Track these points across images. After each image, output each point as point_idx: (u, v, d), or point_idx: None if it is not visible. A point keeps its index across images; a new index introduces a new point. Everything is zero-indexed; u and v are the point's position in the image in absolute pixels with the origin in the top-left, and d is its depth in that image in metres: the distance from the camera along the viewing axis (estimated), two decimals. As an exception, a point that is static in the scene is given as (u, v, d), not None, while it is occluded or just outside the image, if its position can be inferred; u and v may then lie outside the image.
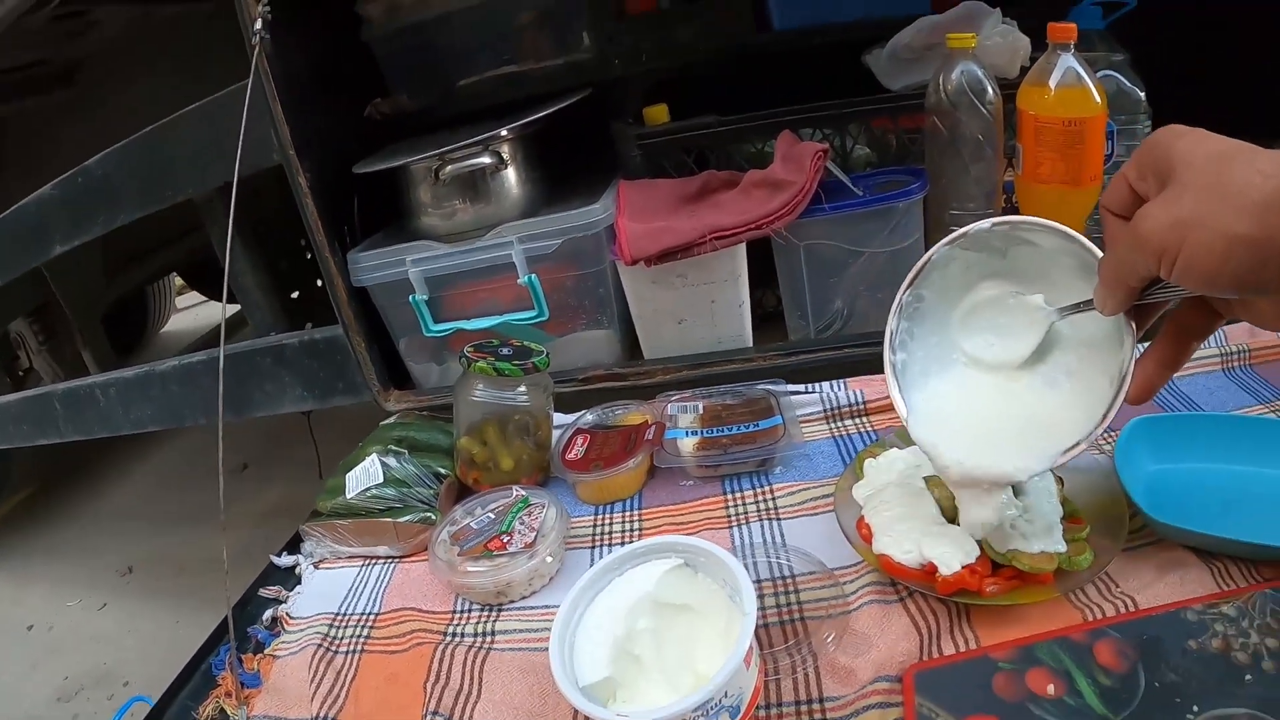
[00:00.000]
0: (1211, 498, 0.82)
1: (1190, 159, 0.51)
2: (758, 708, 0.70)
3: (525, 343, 1.13)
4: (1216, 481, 0.84)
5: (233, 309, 1.82)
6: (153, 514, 2.82)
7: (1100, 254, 0.62)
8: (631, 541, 0.96)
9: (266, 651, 0.94)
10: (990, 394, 0.74)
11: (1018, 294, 0.72)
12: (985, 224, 0.70)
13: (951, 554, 0.74)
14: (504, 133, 1.25)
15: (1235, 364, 1.05)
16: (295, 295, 1.61)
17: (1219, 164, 0.50)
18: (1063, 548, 0.73)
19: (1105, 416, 0.66)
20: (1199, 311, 0.61)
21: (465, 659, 0.83)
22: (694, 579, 0.75)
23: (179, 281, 4.09)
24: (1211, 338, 0.94)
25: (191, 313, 4.35)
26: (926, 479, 0.85)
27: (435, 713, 0.78)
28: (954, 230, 0.73)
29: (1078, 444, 0.67)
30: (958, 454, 0.73)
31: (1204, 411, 0.98)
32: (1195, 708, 0.59)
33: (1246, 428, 0.87)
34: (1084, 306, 0.65)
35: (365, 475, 1.09)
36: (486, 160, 1.24)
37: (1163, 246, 0.52)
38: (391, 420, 1.29)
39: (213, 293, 3.26)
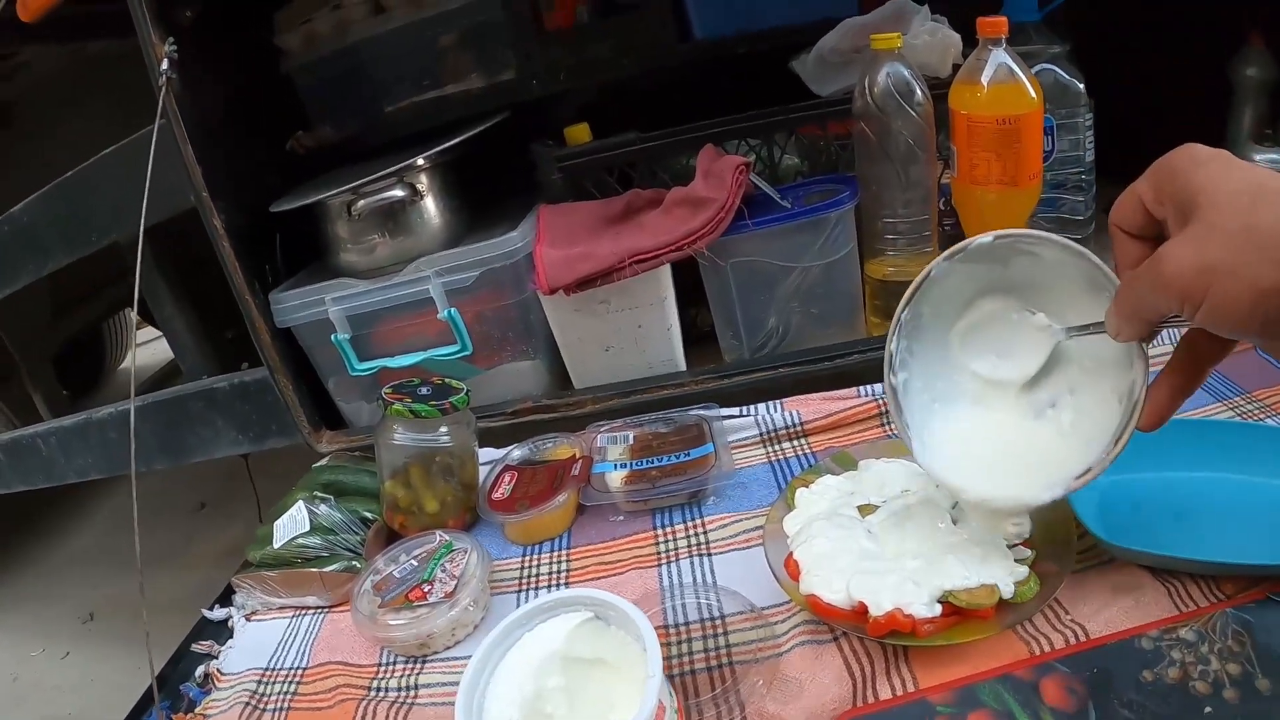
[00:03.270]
0: (1166, 509, 0.79)
1: (1215, 195, 0.49)
2: (678, 766, 0.67)
3: (446, 380, 1.11)
4: (1175, 491, 0.80)
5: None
6: (111, 557, 2.77)
7: (1108, 271, 0.61)
8: (560, 583, 0.94)
9: (197, 710, 0.92)
10: (999, 417, 0.73)
11: (1021, 309, 0.70)
12: (987, 237, 0.68)
13: (882, 592, 0.71)
14: (419, 162, 1.21)
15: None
16: (230, 336, 1.58)
17: (1248, 205, 0.48)
18: (1006, 579, 0.70)
19: (1119, 441, 0.64)
20: (1215, 338, 0.58)
21: (388, 716, 0.81)
22: (606, 631, 0.72)
23: (136, 317, 4.03)
24: (1165, 334, 0.94)
25: (150, 347, 4.29)
26: (860, 507, 0.82)
27: (357, 776, 0.75)
28: (935, 257, 0.71)
29: (1090, 469, 0.65)
30: (966, 480, 0.72)
31: None
32: None
33: (1206, 432, 0.84)
34: (1094, 329, 0.63)
35: (292, 523, 1.06)
36: (399, 193, 1.20)
37: (1187, 292, 0.50)
38: (323, 463, 1.26)
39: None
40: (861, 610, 0.71)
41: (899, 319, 0.73)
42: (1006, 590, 0.69)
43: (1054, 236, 0.65)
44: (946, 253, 0.70)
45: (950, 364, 0.75)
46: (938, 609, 0.69)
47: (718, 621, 0.82)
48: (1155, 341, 0.61)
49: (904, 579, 0.71)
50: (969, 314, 0.73)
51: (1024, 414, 0.72)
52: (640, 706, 0.62)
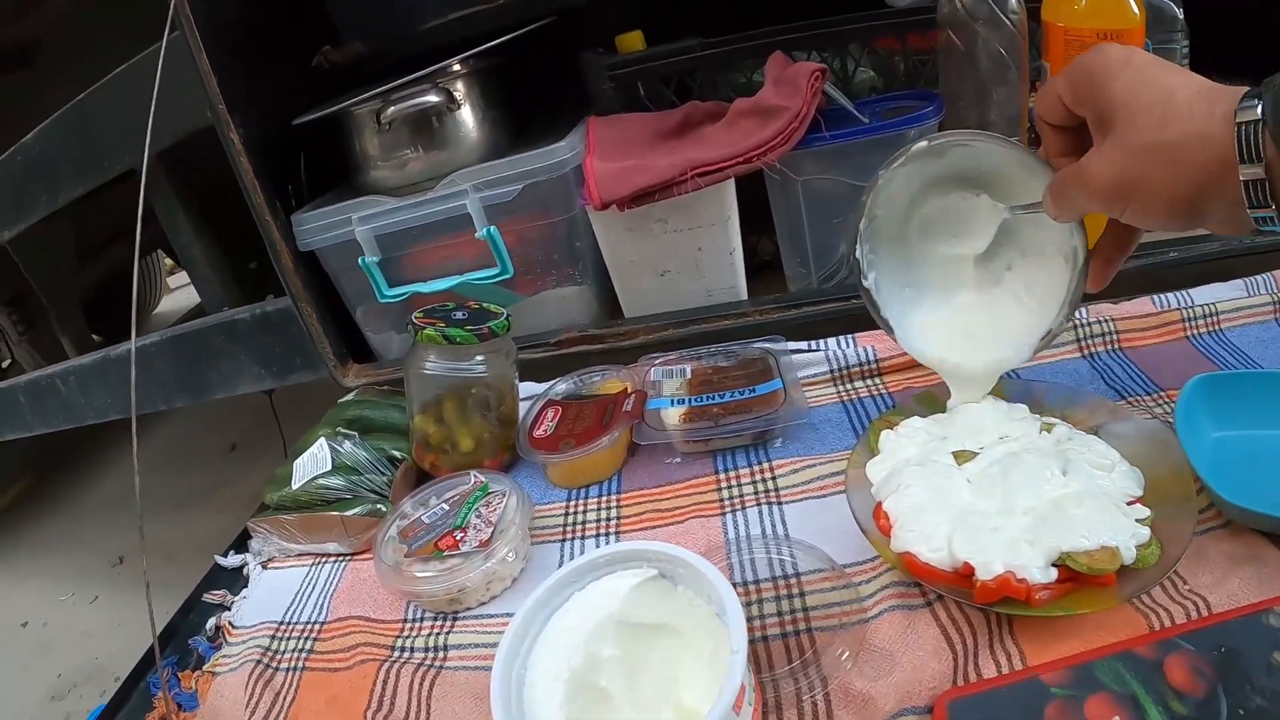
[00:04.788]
0: None
1: (1131, 110, 0.55)
2: (754, 753, 0.58)
3: (484, 304, 1.03)
4: None
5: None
6: (142, 500, 2.75)
7: (1036, 156, 0.68)
8: (609, 532, 0.87)
9: (206, 667, 0.87)
10: (964, 297, 0.81)
11: (966, 193, 0.76)
12: (921, 144, 0.74)
13: (992, 552, 0.62)
14: (455, 66, 1.12)
15: (1289, 311, 0.96)
16: (254, 266, 1.52)
17: (1159, 119, 0.54)
18: (1128, 540, 0.61)
19: (1070, 302, 0.73)
20: None
21: (412, 682, 0.74)
22: (672, 593, 0.63)
23: (169, 262, 4.03)
24: (1262, 283, 1.00)
25: (186, 291, 4.32)
26: (955, 453, 0.74)
27: (375, 747, 0.68)
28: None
29: (1050, 330, 0.75)
30: (945, 353, 0.81)
31: (1260, 368, 0.88)
32: None
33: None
34: (1034, 207, 0.68)
35: (313, 462, 0.99)
36: (434, 99, 1.11)
37: (1111, 201, 0.58)
38: (349, 398, 1.19)
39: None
40: (966, 572, 0.63)
41: (859, 229, 0.79)
42: (1129, 554, 0.61)
43: (981, 133, 0.72)
44: (886, 162, 0.76)
45: (912, 255, 0.81)
46: (1053, 573, 0.61)
47: (792, 580, 0.73)
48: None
49: (1016, 537, 0.63)
50: (920, 209, 0.79)
51: (984, 285, 0.80)
52: (721, 689, 0.52)
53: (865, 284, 0.81)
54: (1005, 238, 0.77)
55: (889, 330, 0.82)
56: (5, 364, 2.82)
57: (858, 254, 0.80)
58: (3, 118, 1.91)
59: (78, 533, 2.75)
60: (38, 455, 3.05)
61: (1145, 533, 0.62)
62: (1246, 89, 0.51)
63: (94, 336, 2.65)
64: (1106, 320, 0.97)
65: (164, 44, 1.09)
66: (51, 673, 2.15)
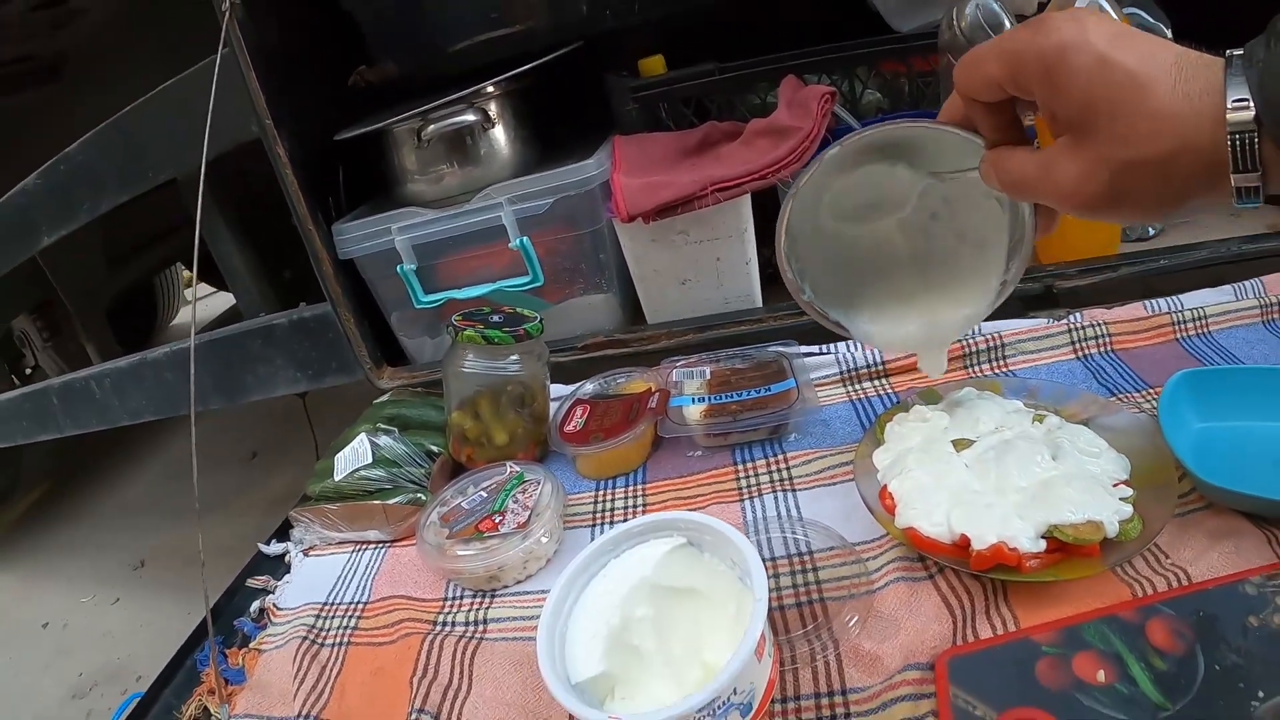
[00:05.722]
0: (1262, 457, 0.75)
1: (1110, 119, 0.50)
2: (773, 702, 0.64)
3: (518, 309, 1.08)
4: (1266, 440, 0.77)
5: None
6: (162, 506, 2.82)
7: (956, 131, 0.63)
8: (634, 518, 0.90)
9: (252, 645, 0.91)
10: (903, 268, 0.78)
11: (877, 167, 0.71)
12: (833, 149, 0.69)
13: (986, 525, 0.67)
14: (489, 88, 1.18)
15: (1276, 315, 0.99)
16: (288, 274, 1.57)
17: (1146, 133, 0.49)
18: (1112, 516, 0.66)
19: (1014, 248, 0.70)
20: None
21: (455, 650, 0.78)
22: (699, 559, 0.69)
23: (188, 273, 4.07)
24: (1250, 288, 1.02)
25: (203, 304, 4.34)
26: (954, 442, 0.79)
27: (422, 710, 0.73)
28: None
29: (1003, 281, 0.73)
30: (910, 327, 0.79)
31: (1246, 365, 0.91)
32: (1261, 693, 0.53)
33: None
34: (962, 173, 0.66)
35: (354, 456, 1.04)
36: (471, 118, 1.18)
37: (1088, 211, 0.54)
38: (384, 398, 1.24)
39: (219, 282, 3.27)
40: (963, 544, 0.68)
41: (780, 251, 0.75)
42: (1111, 527, 0.66)
43: (890, 125, 0.67)
44: (789, 194, 0.72)
45: (836, 243, 0.77)
46: (1042, 544, 0.66)
47: (806, 557, 0.78)
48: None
49: (1007, 512, 0.68)
50: (826, 194, 0.74)
51: (914, 242, 0.76)
52: (745, 634, 0.58)
53: (803, 298, 0.79)
54: (924, 197, 0.73)
55: (844, 333, 0.81)
56: (29, 370, 2.84)
57: (788, 274, 0.77)
58: (33, 128, 1.97)
59: (98, 537, 2.77)
60: (59, 460, 3.07)
61: (1128, 509, 0.67)
62: (1223, 64, 0.48)
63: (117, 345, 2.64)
64: (1100, 324, 1.00)
65: (217, 61, 1.13)
66: (72, 672, 2.17)
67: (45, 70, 2.06)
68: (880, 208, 0.74)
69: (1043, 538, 0.66)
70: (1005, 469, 0.73)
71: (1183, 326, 1.00)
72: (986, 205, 0.70)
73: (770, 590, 0.73)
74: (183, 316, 4.09)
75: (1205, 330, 0.99)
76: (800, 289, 0.78)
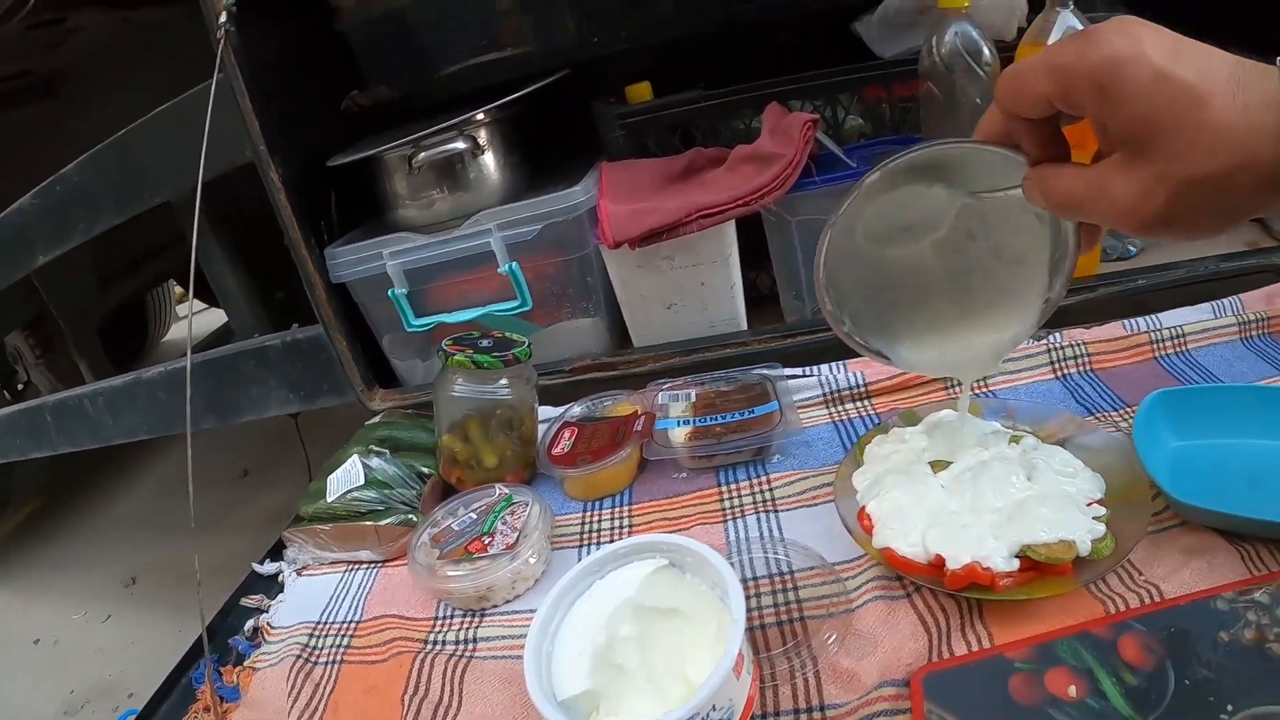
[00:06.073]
0: (1238, 475, 0.77)
1: (1169, 136, 0.47)
2: (752, 718, 0.65)
3: (507, 334, 1.09)
4: (1242, 457, 0.78)
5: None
6: (154, 523, 2.82)
7: (997, 150, 0.60)
8: (621, 539, 0.92)
9: (246, 663, 0.92)
10: (940, 289, 0.73)
11: (915, 188, 0.67)
12: (873, 175, 0.66)
13: (961, 545, 0.69)
14: (479, 116, 1.20)
15: (1254, 333, 1.00)
16: (280, 296, 1.58)
17: (1207, 147, 0.46)
18: (1084, 535, 0.68)
19: (1057, 264, 0.67)
20: None
21: (445, 669, 0.80)
22: (681, 580, 0.71)
23: (179, 290, 4.07)
24: (1228, 306, 1.02)
25: (195, 319, 4.32)
26: (932, 463, 0.80)
27: (413, 728, 0.74)
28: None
29: (1047, 299, 0.69)
30: (951, 349, 0.76)
31: (1224, 383, 0.93)
32: (1230, 707, 0.54)
33: (1273, 400, 0.82)
34: (1003, 191, 0.62)
35: (346, 477, 1.05)
36: (461, 145, 1.20)
37: (1144, 231, 0.51)
38: (376, 420, 1.26)
39: (209, 299, 3.27)
40: (938, 563, 0.69)
41: (819, 283, 0.73)
42: (1084, 546, 0.67)
43: (926, 148, 0.64)
44: (828, 224, 0.69)
45: (871, 268, 0.73)
46: (1015, 563, 0.68)
47: (787, 576, 0.80)
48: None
49: (982, 532, 0.70)
50: (863, 216, 0.70)
51: (949, 262, 0.71)
52: (724, 653, 0.60)
53: (844, 329, 0.75)
54: (961, 211, 0.69)
55: (884, 361, 0.77)
56: (21, 386, 2.83)
57: (827, 305, 0.74)
58: (29, 144, 1.99)
59: (90, 553, 2.76)
60: (49, 476, 3.05)
61: (1101, 528, 0.68)
62: (1277, 74, 0.46)
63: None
64: (1079, 344, 1.02)
65: (213, 86, 1.15)
66: (64, 689, 2.17)
67: (42, 87, 2.07)
68: (916, 230, 0.70)
69: (1016, 557, 0.68)
70: (981, 490, 0.74)
71: (1161, 345, 1.01)
72: (1025, 223, 0.67)
73: (752, 609, 0.76)
74: (175, 333, 4.09)
75: (1184, 349, 1.00)
76: (840, 320, 0.75)
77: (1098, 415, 0.92)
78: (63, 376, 2.68)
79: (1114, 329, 1.04)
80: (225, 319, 1.26)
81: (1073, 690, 0.58)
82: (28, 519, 3.06)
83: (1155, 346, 1.01)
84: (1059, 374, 1.02)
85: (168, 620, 2.25)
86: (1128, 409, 0.91)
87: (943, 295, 0.74)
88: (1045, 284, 0.69)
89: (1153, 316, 1.03)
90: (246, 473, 2.92)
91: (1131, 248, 1.21)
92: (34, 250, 1.61)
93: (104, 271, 2.63)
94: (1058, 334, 1.05)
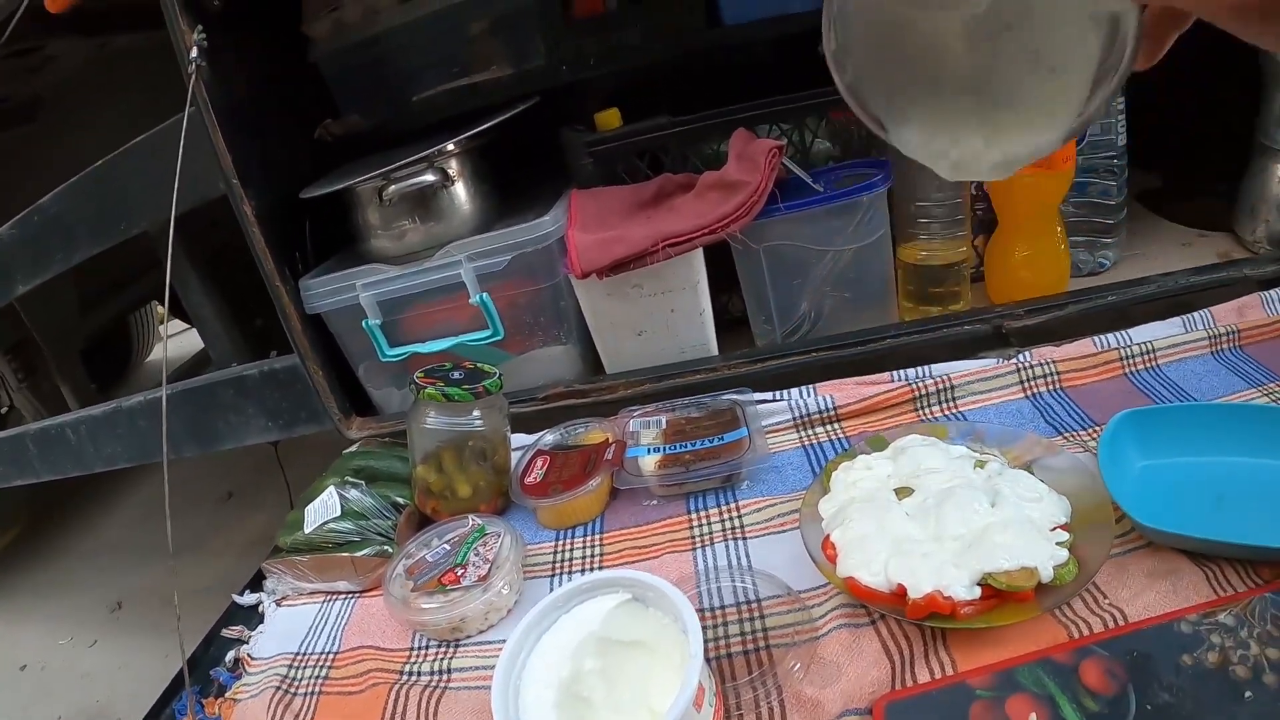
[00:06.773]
0: (1205, 494, 0.78)
1: None
2: (716, 748, 0.66)
3: (478, 364, 1.10)
4: (1210, 476, 0.80)
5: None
6: (140, 547, 2.79)
7: None
8: (593, 568, 0.94)
9: (228, 695, 0.93)
10: (964, 67, 0.55)
11: None
12: None
13: (922, 574, 0.70)
14: (450, 147, 1.21)
15: (1224, 345, 1.01)
16: (259, 323, 1.58)
17: None
18: (1046, 561, 0.69)
19: (1104, 74, 0.51)
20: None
21: (420, 699, 0.81)
22: (644, 613, 0.72)
23: (161, 310, 4.05)
24: (1199, 319, 1.03)
25: (176, 340, 4.32)
26: (897, 489, 0.82)
27: (389, 759, 0.75)
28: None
29: (1082, 113, 0.52)
30: (943, 148, 0.56)
31: (1193, 400, 0.93)
32: None
33: (1240, 416, 0.83)
34: None
35: (323, 509, 1.06)
36: (430, 178, 1.20)
37: (1230, 7, 0.40)
38: (353, 449, 1.27)
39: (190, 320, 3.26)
40: (900, 592, 0.70)
41: (825, 15, 0.55)
42: (1046, 573, 0.68)
43: None
44: None
45: (890, 28, 0.55)
46: (977, 591, 0.68)
47: (754, 605, 0.81)
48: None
49: (943, 561, 0.71)
50: None
51: (978, 53, 0.52)
52: (681, 688, 0.61)
53: (845, 79, 0.56)
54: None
55: (880, 129, 0.59)
56: (4, 410, 2.82)
57: (831, 46, 0.56)
58: (6, 169, 1.99)
59: (76, 578, 2.74)
60: (33, 501, 3.04)
61: (1063, 554, 0.70)
62: None
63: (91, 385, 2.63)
64: (1048, 362, 1.02)
65: (185, 121, 1.14)
66: (52, 714, 2.14)
67: (20, 112, 2.06)
68: None
69: (978, 585, 0.69)
70: (944, 517, 0.75)
71: (1131, 361, 1.02)
72: (1075, 25, 0.52)
73: (719, 638, 0.77)
74: (159, 353, 4.07)
75: (1154, 364, 1.01)
76: (842, 67, 0.56)
77: (1066, 435, 0.93)
78: (45, 400, 2.65)
79: (1084, 346, 1.04)
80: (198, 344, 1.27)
81: (1033, 717, 0.59)
82: (12, 544, 3.04)
83: (1125, 363, 1.02)
84: (1028, 393, 1.02)
85: (154, 645, 2.24)
86: (1096, 428, 0.92)
87: (957, 90, 0.56)
88: (1082, 99, 0.53)
89: (1123, 332, 1.04)
90: (231, 495, 2.90)
91: (1103, 262, 1.22)
92: (13, 280, 1.60)
93: (86, 295, 2.62)
94: (1027, 353, 1.05)
